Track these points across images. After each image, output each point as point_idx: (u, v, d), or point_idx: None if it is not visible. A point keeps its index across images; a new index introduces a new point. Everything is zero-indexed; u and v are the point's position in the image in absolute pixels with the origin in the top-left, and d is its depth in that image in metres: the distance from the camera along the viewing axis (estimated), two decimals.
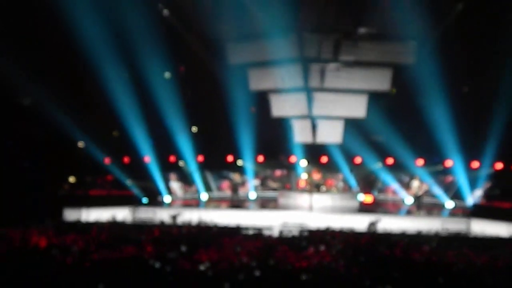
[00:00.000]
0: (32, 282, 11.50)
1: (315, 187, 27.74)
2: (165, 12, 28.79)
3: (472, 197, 26.43)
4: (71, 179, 26.75)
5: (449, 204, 26.86)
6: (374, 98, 29.64)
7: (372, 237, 19.21)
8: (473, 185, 26.59)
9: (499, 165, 26.32)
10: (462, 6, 27.06)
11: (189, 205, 27.22)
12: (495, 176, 26.70)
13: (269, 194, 29.61)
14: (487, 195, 26.58)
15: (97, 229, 18.60)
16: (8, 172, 24.63)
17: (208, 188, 29.67)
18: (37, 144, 27.71)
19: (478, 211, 24.49)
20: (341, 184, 29.55)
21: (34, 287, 11.21)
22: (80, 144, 26.87)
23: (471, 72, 27.84)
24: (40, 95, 25.47)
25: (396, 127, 28.27)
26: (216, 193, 30.22)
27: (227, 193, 30.25)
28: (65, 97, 25.66)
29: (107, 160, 26.84)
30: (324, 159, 29.21)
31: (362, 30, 27.41)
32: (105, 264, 12.90)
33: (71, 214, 23.84)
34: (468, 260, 14.70)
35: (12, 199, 22.32)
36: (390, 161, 28.68)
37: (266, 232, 19.84)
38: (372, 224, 22.22)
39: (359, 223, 22.23)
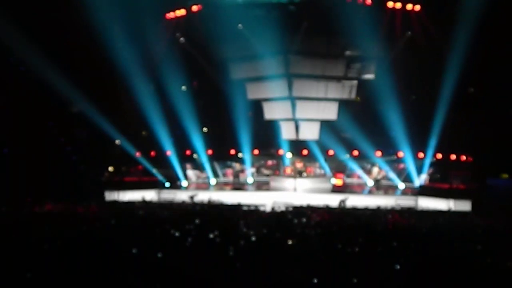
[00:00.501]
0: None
1: (298, 173, 27.71)
2: (182, 39, 28.84)
3: (419, 180, 26.45)
4: (110, 169, 26.73)
5: (401, 185, 26.87)
6: (344, 104, 29.73)
7: (342, 211, 19.25)
8: (419, 171, 26.61)
9: (439, 155, 26.35)
10: (410, 34, 27.23)
11: (202, 188, 27.23)
12: (436, 164, 26.73)
13: (263, 179, 29.55)
14: (430, 178, 26.62)
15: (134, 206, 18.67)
16: (61, 164, 24.67)
17: (215, 175, 29.62)
18: (84, 142, 27.78)
19: (423, 191, 24.53)
20: (318, 170, 29.53)
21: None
22: (117, 141, 26.84)
23: (417, 83, 27.91)
24: (85, 105, 25.54)
25: (360, 126, 28.28)
26: (222, 179, 30.19)
27: (230, 178, 30.24)
28: (106, 106, 25.71)
29: (138, 154, 26.81)
30: (305, 152, 29.19)
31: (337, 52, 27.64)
32: (138, 232, 12.94)
33: (110, 196, 23.81)
34: (416, 227, 14.77)
35: (65, 183, 22.35)
36: (355, 153, 28.65)
37: (261, 208, 19.81)
38: (342, 201, 22.23)
39: (332, 201, 22.18)
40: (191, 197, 23.05)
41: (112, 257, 10.52)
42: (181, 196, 24.02)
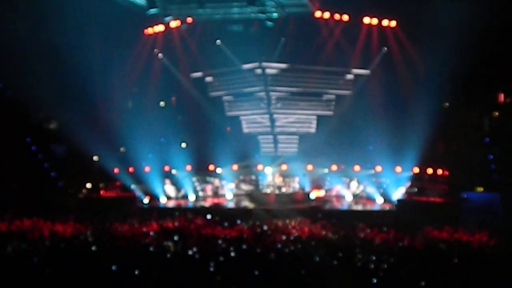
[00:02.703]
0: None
1: (277, 188, 27.86)
2: (160, 55, 28.97)
3: (397, 194, 26.66)
4: (88, 185, 26.59)
5: (379, 199, 27.08)
6: (322, 119, 30.00)
7: (321, 225, 19.37)
8: (397, 185, 26.83)
9: (416, 170, 26.62)
10: (386, 50, 27.72)
11: (180, 204, 27.19)
12: (413, 178, 27.00)
13: (242, 194, 29.53)
14: (408, 192, 26.89)
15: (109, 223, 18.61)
16: (39, 180, 24.63)
17: (194, 191, 29.56)
18: (62, 158, 27.71)
19: (401, 205, 24.77)
20: (297, 185, 29.64)
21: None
22: (95, 157, 26.76)
23: (394, 98, 28.28)
24: (64, 121, 25.53)
25: (339, 141, 28.56)
26: (201, 194, 30.09)
27: (210, 194, 30.14)
28: (84, 124, 25.67)
29: (116, 170, 26.71)
30: (284, 167, 29.28)
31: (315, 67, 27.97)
32: (118, 250, 12.99)
33: (87, 212, 23.62)
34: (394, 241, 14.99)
35: (44, 200, 22.32)
36: (334, 167, 28.80)
37: (240, 224, 19.80)
38: (321, 216, 22.31)
39: (312, 216, 22.28)
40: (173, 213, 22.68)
41: (91, 273, 10.58)
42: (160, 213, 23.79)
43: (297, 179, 29.74)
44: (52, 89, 24.92)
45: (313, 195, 28.23)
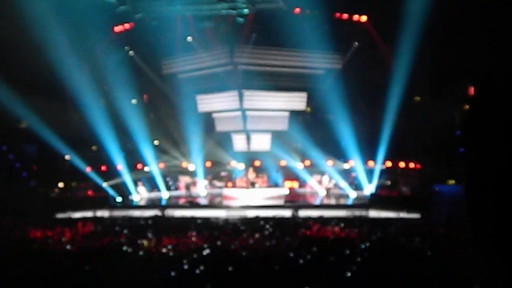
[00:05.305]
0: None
1: (250, 184, 27.90)
2: (131, 52, 28.79)
3: (369, 188, 26.86)
4: (60, 184, 26.31)
5: (352, 194, 27.27)
6: (294, 115, 30.13)
7: (294, 221, 19.44)
8: (369, 179, 27.04)
9: (388, 164, 26.88)
10: (357, 44, 27.91)
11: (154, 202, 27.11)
12: (386, 172, 27.26)
13: (216, 191, 29.52)
14: (380, 186, 27.14)
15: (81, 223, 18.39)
16: (10, 180, 24.29)
17: (168, 188, 29.44)
18: (33, 158, 27.40)
19: (374, 199, 24.96)
20: (270, 181, 29.75)
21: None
22: (67, 156, 26.49)
23: (365, 93, 28.49)
24: (34, 120, 25.20)
25: (311, 136, 28.68)
26: (174, 192, 29.97)
27: (183, 191, 30.03)
28: (54, 121, 25.41)
29: (88, 169, 26.46)
30: (257, 163, 29.34)
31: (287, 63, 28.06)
32: (89, 251, 12.85)
33: (60, 213, 23.36)
34: (366, 236, 15.07)
35: (14, 200, 21.99)
36: (307, 162, 28.95)
37: (214, 221, 19.82)
38: (295, 212, 22.42)
39: (285, 211, 22.39)
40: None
41: (65, 275, 10.47)
42: (134, 213, 23.62)
43: (270, 174, 29.85)
44: (21, 87, 24.55)
45: (286, 189, 28.39)
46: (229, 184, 29.76)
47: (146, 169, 28.52)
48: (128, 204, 25.95)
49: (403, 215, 21.66)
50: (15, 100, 24.10)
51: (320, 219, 19.41)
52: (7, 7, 23.12)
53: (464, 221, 17.98)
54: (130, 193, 27.18)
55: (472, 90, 29.05)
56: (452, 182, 24.44)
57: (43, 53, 23.96)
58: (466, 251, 12.19)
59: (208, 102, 30.11)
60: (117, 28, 28.42)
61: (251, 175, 28.35)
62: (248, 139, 30.40)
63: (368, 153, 26.83)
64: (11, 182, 24.26)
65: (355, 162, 27.48)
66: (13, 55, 24.52)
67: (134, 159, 28.11)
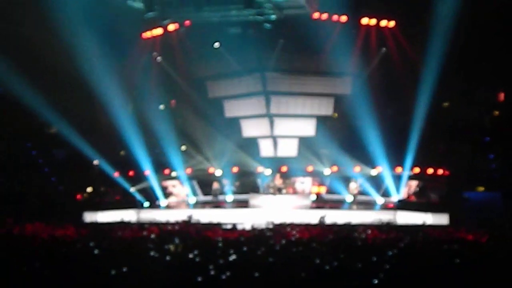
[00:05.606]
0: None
1: (277, 190, 27.80)
2: (159, 58, 29.00)
3: (397, 195, 26.60)
4: (89, 189, 26.60)
5: (380, 200, 27.04)
6: (321, 120, 30.02)
7: (321, 227, 19.33)
8: (397, 185, 26.78)
9: (416, 170, 26.57)
10: (385, 50, 27.72)
11: (181, 207, 27.22)
12: (414, 178, 26.97)
13: (242, 197, 29.46)
14: (408, 192, 26.86)
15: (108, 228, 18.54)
16: (40, 184, 24.67)
17: (195, 193, 29.53)
18: (62, 162, 27.75)
19: (401, 205, 24.70)
20: (297, 187, 29.65)
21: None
22: (96, 161, 26.76)
23: (393, 98, 28.28)
24: (64, 125, 25.55)
25: (338, 142, 28.55)
26: (201, 197, 30.04)
27: (209, 197, 30.05)
28: (85, 128, 25.76)
29: (116, 174, 26.69)
30: (284, 168, 29.22)
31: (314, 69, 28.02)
32: (115, 254, 12.95)
33: (89, 217, 23.59)
34: (395, 242, 14.89)
35: (44, 204, 22.34)
36: (334, 168, 28.79)
37: (240, 227, 19.79)
38: (322, 218, 22.22)
39: (312, 217, 22.25)
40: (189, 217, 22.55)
41: (92, 278, 10.54)
42: (160, 216, 23.74)
43: (297, 180, 29.75)
44: (51, 93, 24.95)
45: (313, 195, 28.27)
46: (256, 190, 29.72)
47: (173, 174, 28.66)
48: (155, 208, 26.10)
49: (431, 221, 21.46)
50: (45, 105, 24.48)
51: (348, 225, 19.31)
52: (39, 15, 23.52)
53: (497, 227, 17.76)
54: (157, 198, 27.33)
55: (502, 96, 28.62)
56: (481, 189, 24.06)
57: (74, 59, 24.34)
58: (496, 258, 11.98)
59: (235, 108, 30.19)
60: (146, 34, 28.61)
61: (278, 181, 28.26)
62: (275, 144, 30.37)
63: (396, 159, 26.56)
64: (40, 186, 24.62)
65: (382, 168, 27.23)
66: (45, 61, 24.93)
67: (161, 164, 28.23)
